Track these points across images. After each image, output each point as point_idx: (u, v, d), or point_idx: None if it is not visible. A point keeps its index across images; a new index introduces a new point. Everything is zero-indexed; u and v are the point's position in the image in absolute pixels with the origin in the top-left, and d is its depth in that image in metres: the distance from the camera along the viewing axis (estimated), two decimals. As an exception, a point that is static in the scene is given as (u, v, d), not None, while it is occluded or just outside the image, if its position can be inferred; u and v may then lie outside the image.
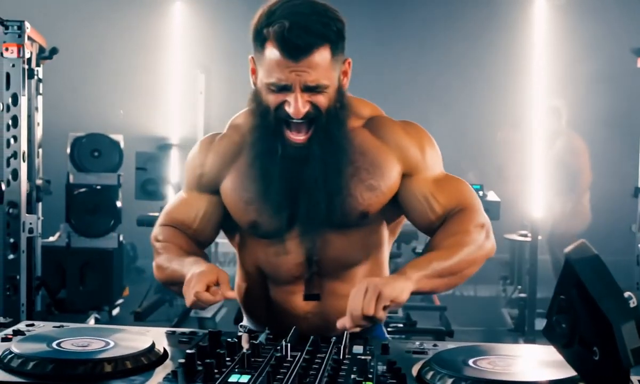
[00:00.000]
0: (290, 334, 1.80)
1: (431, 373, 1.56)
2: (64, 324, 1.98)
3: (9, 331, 1.88)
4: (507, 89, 7.10)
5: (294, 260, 2.10)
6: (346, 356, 1.72)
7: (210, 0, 8.18)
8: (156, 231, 2.24)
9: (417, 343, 1.87)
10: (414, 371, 1.64)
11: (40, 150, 5.59)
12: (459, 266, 1.98)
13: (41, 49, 5.32)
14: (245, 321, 2.30)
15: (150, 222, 6.05)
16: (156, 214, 6.07)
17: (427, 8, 7.90)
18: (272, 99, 1.96)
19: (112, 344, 1.71)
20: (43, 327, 1.95)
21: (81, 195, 5.93)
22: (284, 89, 1.93)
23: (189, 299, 1.88)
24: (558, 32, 7.60)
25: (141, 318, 6.05)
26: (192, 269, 1.95)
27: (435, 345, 1.86)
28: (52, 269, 5.87)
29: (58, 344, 1.70)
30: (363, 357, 1.61)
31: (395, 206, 2.13)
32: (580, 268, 1.36)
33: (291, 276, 2.12)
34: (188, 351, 1.60)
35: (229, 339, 1.76)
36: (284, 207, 2.04)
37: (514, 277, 7.03)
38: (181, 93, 6.00)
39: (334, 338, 1.86)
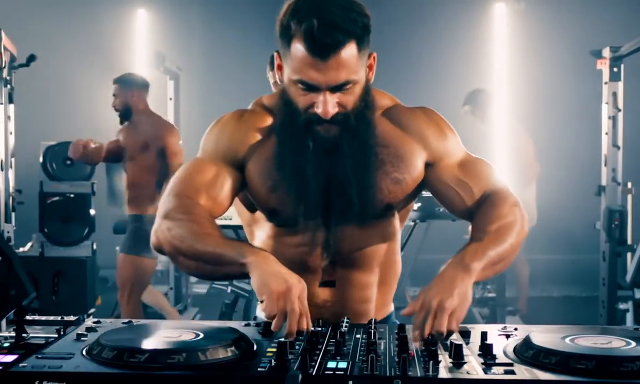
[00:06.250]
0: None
1: (531, 351, 1.60)
2: (133, 320, 1.98)
3: (82, 329, 1.86)
4: (468, 88, 7.19)
5: (311, 250, 2.09)
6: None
7: (170, 8, 8.16)
8: (173, 202, 2.00)
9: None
10: (507, 351, 1.67)
11: (14, 159, 5.51)
12: (508, 252, 1.94)
13: (12, 58, 5.25)
14: (258, 312, 2.24)
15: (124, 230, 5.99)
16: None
17: (394, 8, 8.00)
18: (301, 101, 1.96)
19: (201, 335, 1.71)
20: (111, 323, 1.95)
21: (54, 204, 5.83)
22: (312, 88, 1.92)
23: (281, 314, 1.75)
24: (519, 35, 7.77)
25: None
26: (266, 264, 1.83)
27: (515, 328, 1.88)
28: (25, 280, 5.75)
29: (151, 336, 1.70)
30: (457, 342, 1.63)
31: (410, 195, 2.13)
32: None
33: (307, 266, 2.10)
34: (280, 339, 1.61)
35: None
36: (310, 200, 2.03)
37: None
38: (150, 100, 5.92)
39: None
